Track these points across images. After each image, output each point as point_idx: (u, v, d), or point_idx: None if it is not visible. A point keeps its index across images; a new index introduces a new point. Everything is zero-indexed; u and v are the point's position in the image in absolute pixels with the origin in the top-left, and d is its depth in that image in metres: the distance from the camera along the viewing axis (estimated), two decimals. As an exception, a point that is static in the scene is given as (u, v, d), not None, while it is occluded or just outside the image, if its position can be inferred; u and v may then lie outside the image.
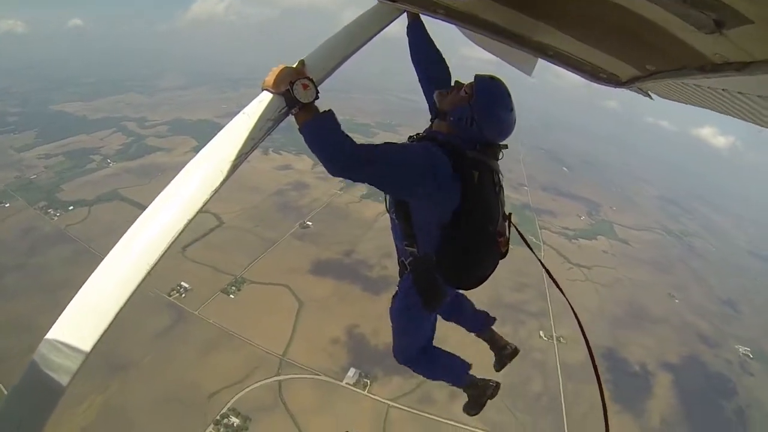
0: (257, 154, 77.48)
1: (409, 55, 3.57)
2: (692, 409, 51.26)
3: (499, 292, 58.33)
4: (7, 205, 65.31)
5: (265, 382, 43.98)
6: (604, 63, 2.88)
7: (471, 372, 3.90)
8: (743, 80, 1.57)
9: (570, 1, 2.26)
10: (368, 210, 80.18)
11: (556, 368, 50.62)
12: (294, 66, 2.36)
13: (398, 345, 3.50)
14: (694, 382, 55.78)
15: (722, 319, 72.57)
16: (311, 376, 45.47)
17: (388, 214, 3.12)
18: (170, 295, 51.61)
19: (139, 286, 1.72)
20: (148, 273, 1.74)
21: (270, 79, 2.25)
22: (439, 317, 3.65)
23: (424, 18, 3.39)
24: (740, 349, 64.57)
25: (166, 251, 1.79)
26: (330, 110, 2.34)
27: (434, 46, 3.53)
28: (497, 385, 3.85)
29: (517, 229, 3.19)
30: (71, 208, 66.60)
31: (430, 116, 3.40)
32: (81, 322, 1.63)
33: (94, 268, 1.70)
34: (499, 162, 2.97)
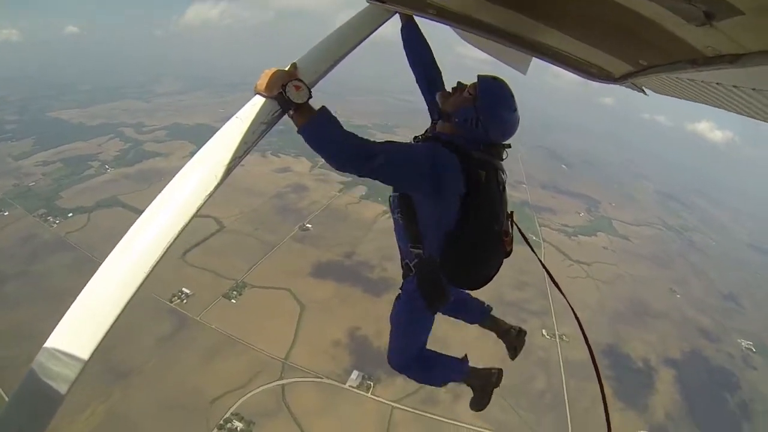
0: (256, 157, 78.13)
1: (406, 57, 3.58)
2: (696, 404, 51.37)
3: (501, 291, 58.24)
4: (6, 213, 65.15)
5: (268, 387, 43.87)
6: (597, 59, 2.89)
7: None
8: (737, 73, 1.57)
9: None
10: (368, 211, 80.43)
11: (559, 366, 50.68)
12: (286, 69, 2.34)
13: (396, 348, 3.39)
14: (696, 376, 55.91)
15: (723, 314, 72.75)
16: (314, 380, 45.38)
17: (391, 216, 3.12)
18: (171, 301, 51.51)
19: (136, 292, 1.72)
20: (145, 279, 1.74)
21: (262, 82, 2.23)
22: (437, 314, 3.51)
23: (417, 19, 3.43)
24: (743, 343, 64.77)
25: (162, 257, 1.79)
26: (323, 107, 2.35)
27: (429, 47, 3.56)
28: (500, 371, 3.79)
29: (518, 228, 3.22)
30: (70, 215, 66.47)
31: (429, 117, 3.49)
32: (79, 331, 1.63)
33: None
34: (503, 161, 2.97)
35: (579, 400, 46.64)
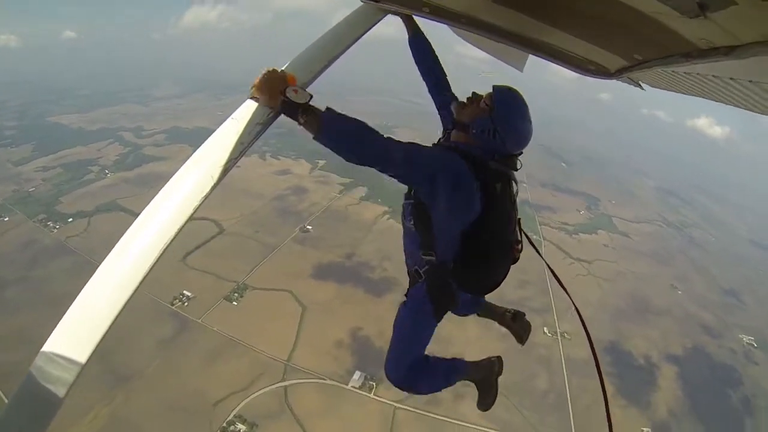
0: (255, 159, 78.28)
1: (417, 68, 3.71)
2: (698, 400, 51.41)
3: (502, 289, 57.14)
4: (6, 219, 65.15)
5: (271, 388, 43.93)
6: (593, 55, 2.90)
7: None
8: (732, 65, 1.56)
9: None
10: (368, 212, 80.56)
11: (561, 364, 50.71)
12: (281, 70, 2.35)
13: (396, 356, 3.27)
14: (699, 373, 55.99)
15: (725, 309, 72.76)
16: (316, 381, 45.46)
17: (403, 223, 3.12)
18: (173, 304, 51.61)
19: (133, 294, 1.72)
20: (142, 281, 1.74)
21: (261, 94, 2.24)
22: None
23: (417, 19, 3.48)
24: (744, 339, 64.80)
25: (159, 258, 1.79)
26: (328, 107, 2.36)
27: (437, 58, 3.71)
28: (499, 358, 3.72)
29: (528, 237, 3.25)
30: (70, 220, 66.46)
31: (441, 125, 3.62)
32: (76, 334, 1.63)
33: (92, 279, 1.71)
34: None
35: (581, 398, 46.65)
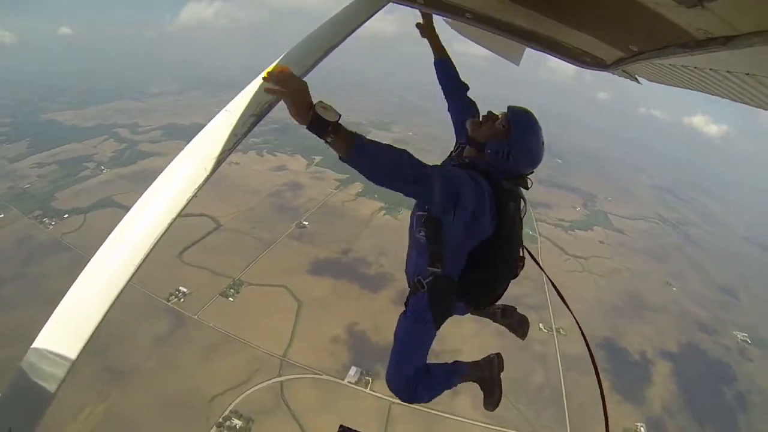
0: (252, 155, 78.12)
1: (440, 86, 3.83)
2: (693, 396, 51.61)
3: None
4: (2, 215, 64.73)
5: (267, 384, 43.95)
6: (589, 46, 2.92)
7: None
8: (729, 58, 1.56)
9: None
10: (364, 208, 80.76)
11: (557, 360, 50.90)
12: (300, 81, 2.23)
13: (398, 365, 3.32)
14: (693, 369, 56.22)
15: (720, 306, 73.00)
16: (312, 376, 45.49)
17: (413, 234, 3.13)
18: (169, 300, 51.52)
19: (123, 289, 1.71)
20: (133, 274, 1.73)
21: (289, 104, 2.16)
22: None
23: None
24: (738, 335, 65.09)
25: (149, 252, 1.78)
26: (355, 133, 2.29)
27: (459, 77, 3.80)
28: (498, 354, 3.78)
29: (529, 252, 3.45)
30: (66, 216, 66.18)
31: (455, 135, 3.63)
32: (67, 329, 1.62)
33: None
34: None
35: (576, 394, 46.87)
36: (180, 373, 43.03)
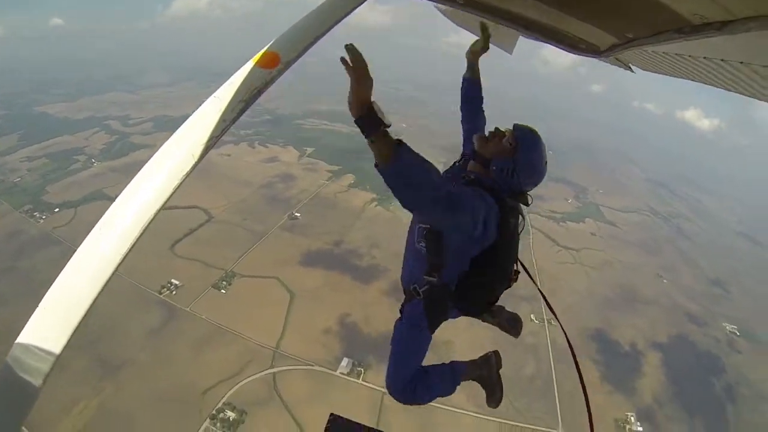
0: (243, 147, 77.71)
1: (461, 102, 4.00)
2: (682, 387, 52.20)
3: None
4: (-8, 210, 64.29)
5: (259, 375, 44.02)
6: (583, 33, 2.89)
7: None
8: (724, 44, 1.55)
9: None
10: (356, 199, 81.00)
11: (548, 350, 51.22)
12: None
13: (397, 370, 3.38)
14: (683, 360, 56.86)
15: (710, 299, 73.75)
16: (305, 367, 45.63)
17: (412, 244, 3.17)
18: (161, 293, 51.42)
19: (110, 279, 1.71)
20: (120, 264, 1.73)
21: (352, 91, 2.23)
22: None
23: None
24: (728, 328, 65.87)
25: (137, 241, 1.78)
26: (402, 141, 2.27)
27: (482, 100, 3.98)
28: (495, 352, 3.83)
29: (523, 266, 3.50)
30: (57, 210, 65.69)
31: (463, 146, 3.85)
32: (52, 323, 1.62)
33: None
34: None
35: (567, 384, 47.15)
36: (173, 366, 42.98)
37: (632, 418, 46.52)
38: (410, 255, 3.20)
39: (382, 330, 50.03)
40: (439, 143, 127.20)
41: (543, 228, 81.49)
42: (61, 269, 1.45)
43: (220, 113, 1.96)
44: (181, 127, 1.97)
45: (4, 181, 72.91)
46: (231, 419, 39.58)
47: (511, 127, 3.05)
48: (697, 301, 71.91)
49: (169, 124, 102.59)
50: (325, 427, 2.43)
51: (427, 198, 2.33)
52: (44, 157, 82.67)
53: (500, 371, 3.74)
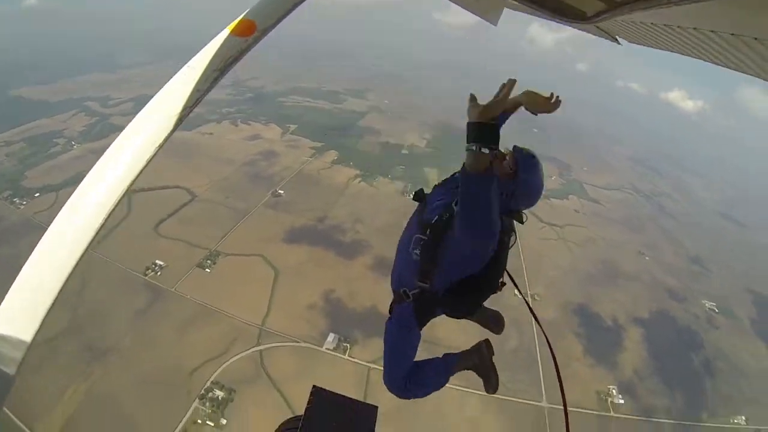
0: (226, 125, 76.70)
1: None
2: (662, 362, 53.27)
3: None
4: (-31, 199, 62.51)
5: (246, 353, 43.97)
6: None
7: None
8: (715, 17, 1.53)
9: None
10: (339, 175, 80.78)
11: (531, 324, 51.81)
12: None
13: (392, 367, 3.56)
14: (664, 335, 57.98)
15: (691, 277, 75.01)
16: (291, 344, 45.67)
17: (404, 250, 3.28)
18: (146, 275, 50.80)
19: (82, 256, 1.67)
20: (92, 241, 1.69)
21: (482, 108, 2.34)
22: None
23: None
24: (707, 305, 67.10)
25: (109, 215, 1.74)
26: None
27: None
28: (486, 341, 3.95)
29: (510, 277, 3.68)
30: (37, 195, 63.96)
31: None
32: (20, 310, 1.58)
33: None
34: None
35: (550, 359, 47.99)
36: (160, 348, 42.70)
37: (614, 391, 47.39)
38: (402, 259, 3.31)
39: (367, 305, 50.58)
40: (420, 119, 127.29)
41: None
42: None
43: (194, 83, 1.94)
44: (154, 98, 1.92)
45: (-18, 168, 70.93)
46: (220, 398, 39.51)
47: (511, 148, 3.16)
48: (677, 278, 73.12)
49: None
50: (308, 400, 2.51)
51: (486, 222, 2.53)
52: (22, 141, 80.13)
53: (493, 358, 3.88)
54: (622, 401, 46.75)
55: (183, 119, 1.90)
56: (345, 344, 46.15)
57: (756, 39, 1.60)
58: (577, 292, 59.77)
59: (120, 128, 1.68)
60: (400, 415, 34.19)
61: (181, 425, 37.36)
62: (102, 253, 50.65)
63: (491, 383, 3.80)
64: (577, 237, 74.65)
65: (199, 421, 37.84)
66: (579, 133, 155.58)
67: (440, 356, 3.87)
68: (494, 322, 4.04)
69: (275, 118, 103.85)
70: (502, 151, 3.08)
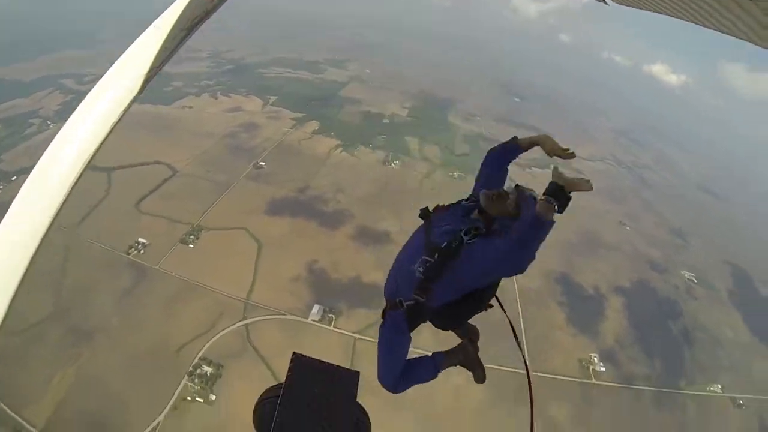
0: (206, 98, 75.33)
1: (491, 159, 4.23)
2: (643, 330, 54.58)
3: None
4: (-57, 186, 60.46)
5: (233, 328, 43.96)
6: None
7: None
8: None
9: None
10: (320, 146, 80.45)
11: (515, 293, 52.55)
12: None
13: (385, 367, 3.77)
14: (644, 305, 59.28)
15: (671, 248, 76.66)
16: (277, 317, 45.72)
17: (405, 266, 3.47)
18: (129, 254, 50.12)
19: (53, 222, 1.58)
20: (60, 208, 1.61)
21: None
22: None
23: None
24: (686, 275, 68.63)
25: (77, 181, 1.66)
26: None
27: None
28: (469, 340, 4.17)
29: (498, 300, 3.89)
30: (14, 178, 61.49)
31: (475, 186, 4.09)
32: None
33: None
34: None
35: (534, 327, 48.95)
36: (147, 327, 42.44)
37: (596, 359, 48.44)
38: (402, 273, 3.48)
39: (351, 275, 51.09)
40: (401, 88, 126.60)
41: (509, 174, 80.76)
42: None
43: (160, 43, 1.88)
44: (120, 59, 1.84)
45: (-45, 153, 68.60)
46: (208, 374, 39.56)
47: (514, 186, 3.52)
48: (658, 249, 74.63)
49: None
50: (289, 367, 2.50)
51: (535, 252, 2.95)
52: (-3, 123, 78.07)
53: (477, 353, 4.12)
54: (603, 369, 47.83)
55: (150, 79, 1.86)
56: (330, 315, 46.30)
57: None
58: (560, 261, 60.48)
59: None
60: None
61: (171, 403, 37.37)
62: (83, 233, 50.10)
63: (478, 375, 4.05)
64: (560, 207, 74.78)
65: (189, 398, 37.87)
66: (561, 103, 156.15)
67: (430, 354, 4.05)
68: (472, 333, 4.33)
69: (255, 89, 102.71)
70: (506, 190, 3.47)
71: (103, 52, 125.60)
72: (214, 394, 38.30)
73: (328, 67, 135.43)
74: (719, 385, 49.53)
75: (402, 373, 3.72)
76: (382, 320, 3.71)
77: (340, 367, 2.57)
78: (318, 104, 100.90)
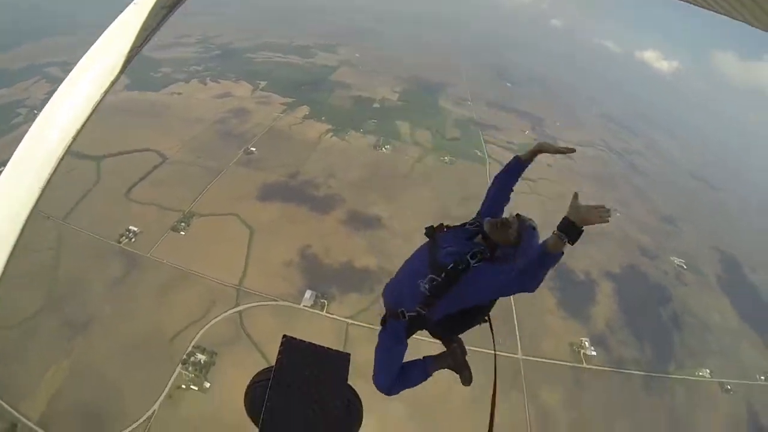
0: (195, 84, 74.46)
1: (498, 180, 4.44)
2: (633, 315, 55.18)
3: (446, 205, 60.55)
4: (-72, 182, 59.45)
5: (226, 315, 43.88)
6: None
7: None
8: None
9: None
10: (311, 131, 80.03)
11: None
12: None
13: (383, 372, 4.03)
14: (634, 290, 59.91)
15: (662, 234, 77.38)
16: (269, 303, 45.63)
17: (412, 280, 3.68)
18: (120, 242, 49.66)
19: (32, 211, 1.52)
20: (44, 188, 1.54)
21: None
22: None
23: None
24: (676, 261, 69.39)
25: (60, 161, 1.59)
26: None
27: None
28: (459, 343, 4.45)
29: (488, 321, 4.24)
30: (2, 168, 61.18)
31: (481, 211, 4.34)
32: None
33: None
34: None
35: (526, 311, 49.28)
36: (140, 315, 42.21)
37: (586, 343, 48.99)
38: (407, 286, 3.69)
39: (342, 260, 51.04)
40: (392, 72, 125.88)
41: (500, 158, 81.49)
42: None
43: (142, 21, 1.85)
44: (101, 38, 1.77)
45: (-58, 146, 67.37)
46: (202, 362, 39.51)
47: (515, 215, 3.81)
48: (649, 234, 75.32)
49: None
50: (279, 350, 2.48)
51: (542, 279, 3.16)
52: (-17, 114, 76.57)
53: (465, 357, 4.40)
54: (594, 353, 48.33)
55: (132, 58, 1.81)
56: (322, 301, 46.26)
57: None
58: (551, 245, 60.85)
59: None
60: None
61: (165, 391, 37.34)
62: (73, 223, 49.62)
63: (465, 377, 4.35)
64: (550, 191, 75.21)
65: (183, 386, 37.86)
66: (552, 88, 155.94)
67: (421, 358, 4.33)
68: (459, 342, 4.54)
69: (245, 74, 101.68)
70: (508, 218, 3.69)
71: (88, 36, 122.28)
72: (208, 382, 38.26)
73: (318, 51, 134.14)
74: (708, 370, 50.30)
75: (398, 376, 3.98)
76: (381, 327, 3.99)
77: (330, 349, 2.58)
78: (308, 89, 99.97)
